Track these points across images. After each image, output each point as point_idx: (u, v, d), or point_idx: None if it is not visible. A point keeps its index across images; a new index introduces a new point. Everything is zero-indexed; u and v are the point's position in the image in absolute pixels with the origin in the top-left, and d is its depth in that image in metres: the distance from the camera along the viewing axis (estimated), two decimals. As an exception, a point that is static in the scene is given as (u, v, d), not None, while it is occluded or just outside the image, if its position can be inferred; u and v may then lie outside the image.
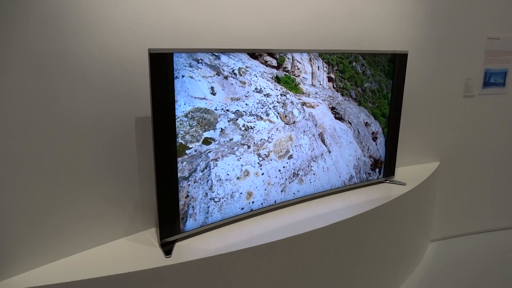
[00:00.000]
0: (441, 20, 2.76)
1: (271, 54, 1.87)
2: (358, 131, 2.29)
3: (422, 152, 3.01)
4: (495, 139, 3.20)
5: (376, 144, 2.47)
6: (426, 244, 3.11)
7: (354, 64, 2.14)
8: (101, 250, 1.73)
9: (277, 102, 1.72)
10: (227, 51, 1.76)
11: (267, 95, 1.70)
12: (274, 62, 1.86)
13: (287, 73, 1.90)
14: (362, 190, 2.48)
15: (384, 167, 2.58)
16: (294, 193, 1.81)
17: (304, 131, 1.82)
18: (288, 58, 1.91)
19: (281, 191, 1.75)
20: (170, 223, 1.76)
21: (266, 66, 1.85)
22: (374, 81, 2.28)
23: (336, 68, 2.10)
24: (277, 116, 1.72)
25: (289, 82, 1.88)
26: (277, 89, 1.72)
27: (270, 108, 1.71)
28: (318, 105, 1.90)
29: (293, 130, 1.77)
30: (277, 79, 1.88)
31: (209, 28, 1.92)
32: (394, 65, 2.38)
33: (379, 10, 2.50)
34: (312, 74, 1.99)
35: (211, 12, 1.90)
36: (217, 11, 1.92)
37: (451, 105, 2.98)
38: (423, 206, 2.79)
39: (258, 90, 1.68)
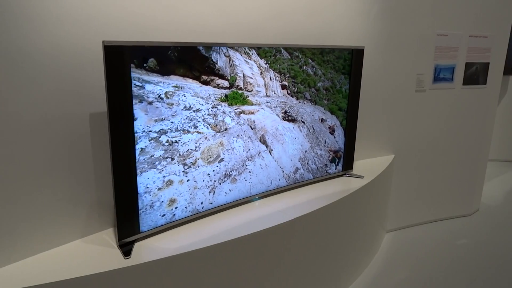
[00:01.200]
0: (394, 17, 2.85)
1: (222, 76, 1.87)
2: (313, 128, 2.33)
3: (378, 146, 3.10)
4: (445, 132, 3.35)
5: (334, 137, 2.52)
6: (383, 234, 3.21)
7: (304, 67, 2.18)
8: (55, 253, 1.64)
9: (208, 114, 1.73)
10: (184, 44, 1.72)
11: (197, 110, 1.71)
12: (226, 83, 1.89)
13: (235, 90, 1.92)
14: (322, 184, 2.52)
15: (343, 161, 2.63)
16: (225, 192, 1.84)
17: (238, 135, 1.85)
18: (240, 76, 1.93)
19: (209, 192, 1.78)
20: (128, 223, 1.69)
21: (218, 88, 1.87)
22: (326, 79, 2.32)
23: (288, 75, 2.13)
24: (207, 127, 1.74)
25: (237, 97, 1.92)
26: (208, 103, 1.73)
27: (199, 121, 1.72)
28: (258, 111, 1.94)
29: (224, 136, 1.80)
30: (226, 97, 1.90)
31: (167, 21, 1.87)
32: (348, 61, 2.43)
33: (336, 5, 2.54)
34: (265, 85, 2.03)
35: (169, 4, 1.85)
36: (176, 3, 1.87)
37: (404, 99, 3.09)
38: (379, 198, 2.88)
39: (187, 108, 1.68)
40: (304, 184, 2.47)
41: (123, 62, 1.53)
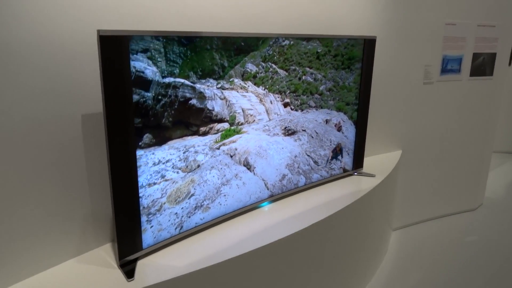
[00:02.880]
0: (403, 5, 2.68)
1: (221, 120, 1.71)
2: (316, 132, 2.17)
3: (385, 141, 2.95)
4: (450, 125, 3.22)
5: (343, 132, 2.34)
6: (390, 234, 3.08)
7: (303, 77, 2.01)
8: (46, 276, 1.43)
9: (179, 160, 1.56)
10: (187, 34, 1.51)
11: (166, 161, 1.53)
12: (227, 125, 1.75)
13: (230, 128, 1.77)
14: (333, 184, 2.35)
15: (353, 159, 2.46)
16: (196, 222, 1.67)
17: (212, 167, 1.69)
18: (239, 113, 1.77)
19: (175, 228, 1.61)
20: (130, 238, 1.49)
21: (218, 132, 1.72)
22: (327, 81, 2.15)
23: (288, 91, 1.96)
24: (176, 172, 1.57)
25: (230, 133, 1.78)
26: (179, 150, 1.55)
27: (167, 170, 1.55)
28: (240, 137, 1.78)
29: (196, 173, 1.63)
30: (220, 138, 1.75)
31: (167, 11, 1.65)
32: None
33: (344, -7, 2.36)
34: (266, 111, 1.87)
35: (168, -11, 1.64)
36: (175, -11, 1.66)
37: (412, 92, 2.94)
38: (389, 196, 2.73)
39: (155, 163, 1.49)
40: (314, 185, 2.29)
41: (121, 54, 1.31)
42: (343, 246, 2.14)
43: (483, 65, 3.19)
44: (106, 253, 1.60)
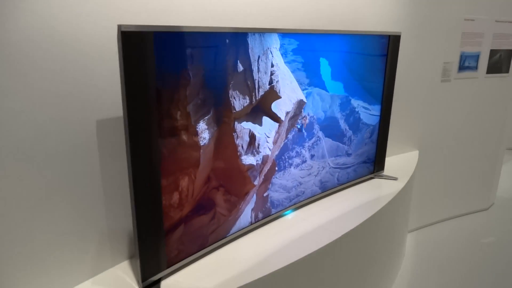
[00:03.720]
0: (422, 0, 2.55)
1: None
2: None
3: (402, 142, 2.84)
4: (466, 124, 3.12)
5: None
6: (406, 236, 2.97)
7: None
8: (59, 302, 1.29)
9: None
10: (215, 30, 1.37)
11: None
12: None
13: None
14: (353, 190, 2.22)
15: (374, 162, 2.34)
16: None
17: None
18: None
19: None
20: (154, 256, 1.35)
21: None
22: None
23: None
24: None
25: None
26: None
27: None
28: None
29: None
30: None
31: (189, 4, 1.50)
32: (387, 48, 2.13)
33: (366, -14, 2.22)
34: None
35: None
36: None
37: (429, 90, 2.83)
38: (408, 199, 2.62)
39: None
40: (333, 191, 2.16)
41: (145, 53, 1.17)
42: (365, 254, 2.03)
43: (499, 62, 3.09)
44: (124, 273, 1.45)
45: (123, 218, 1.48)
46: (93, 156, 1.34)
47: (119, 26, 1.11)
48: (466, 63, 2.93)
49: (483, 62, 3.01)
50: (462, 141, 3.15)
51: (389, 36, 2.12)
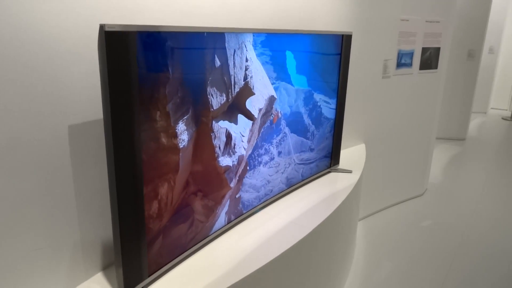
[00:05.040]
0: (365, 1, 2.70)
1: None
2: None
3: (350, 135, 2.99)
4: (403, 117, 3.37)
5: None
6: (357, 225, 3.14)
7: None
8: (35, 324, 1.18)
9: None
10: (211, 30, 1.34)
11: None
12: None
13: None
14: (312, 185, 2.29)
15: (330, 156, 2.44)
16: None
17: None
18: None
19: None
20: (136, 266, 1.29)
21: None
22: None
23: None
24: None
25: None
26: None
27: None
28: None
29: None
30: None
31: (154, 3, 1.45)
32: (341, 47, 2.22)
33: (318, -13, 2.30)
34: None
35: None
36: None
37: (372, 86, 3.00)
38: (360, 190, 2.77)
39: None
40: (297, 187, 2.22)
41: (128, 53, 1.11)
42: (328, 246, 2.11)
43: (429, 59, 3.38)
44: (99, 285, 1.37)
45: (97, 227, 1.39)
46: (65, 163, 1.24)
47: (102, 26, 1.04)
48: (403, 60, 3.15)
49: (416, 59, 3.27)
50: (400, 133, 3.39)
51: (343, 35, 2.22)
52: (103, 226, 1.41)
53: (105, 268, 1.46)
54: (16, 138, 1.09)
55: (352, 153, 2.88)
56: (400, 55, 3.11)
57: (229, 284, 1.37)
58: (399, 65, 3.14)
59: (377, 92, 3.05)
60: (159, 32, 1.19)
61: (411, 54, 3.20)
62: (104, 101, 1.10)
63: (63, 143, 1.23)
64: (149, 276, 1.35)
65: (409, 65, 3.22)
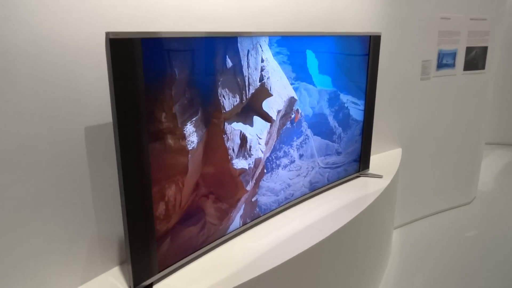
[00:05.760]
0: (400, 0, 2.61)
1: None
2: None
3: (385, 140, 2.89)
4: (446, 120, 3.20)
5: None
6: (392, 233, 3.02)
7: None
8: (51, 312, 1.27)
9: None
10: (201, 35, 1.37)
11: None
12: None
13: None
14: (340, 189, 2.25)
15: (360, 160, 2.38)
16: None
17: None
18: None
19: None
20: (145, 262, 1.34)
21: None
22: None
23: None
24: None
25: None
26: None
27: None
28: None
29: None
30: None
31: (171, 9, 1.51)
32: (369, 48, 2.17)
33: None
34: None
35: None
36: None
37: (410, 88, 2.89)
38: (394, 197, 2.67)
39: None
40: (321, 191, 2.18)
41: (133, 59, 1.16)
42: (352, 253, 2.05)
43: (475, 59, 3.18)
44: (115, 279, 1.44)
45: (113, 224, 1.47)
46: (82, 162, 1.33)
47: (107, 34, 1.10)
48: (444, 60, 3.00)
49: (460, 60, 3.09)
50: (443, 137, 3.23)
51: (370, 36, 2.16)
52: (119, 223, 1.48)
53: (122, 263, 1.53)
54: (36, 138, 1.19)
55: (386, 158, 2.79)
56: (441, 56, 2.97)
57: (235, 284, 1.38)
58: (440, 66, 2.99)
59: (415, 94, 2.93)
60: (161, 38, 1.24)
61: (453, 54, 3.04)
62: (111, 104, 1.16)
63: (80, 143, 1.31)
64: (159, 272, 1.39)
65: (452, 65, 3.06)
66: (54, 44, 1.19)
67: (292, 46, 1.76)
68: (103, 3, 1.29)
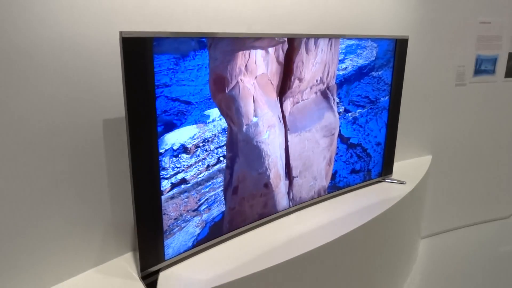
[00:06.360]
0: (435, 3, 2.55)
1: None
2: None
3: (414, 146, 2.82)
4: (483, 129, 3.06)
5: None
6: (419, 242, 2.94)
7: None
8: (65, 287, 1.37)
9: None
10: (215, 36, 1.43)
11: None
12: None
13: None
14: (360, 192, 2.23)
15: (382, 165, 2.34)
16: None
17: None
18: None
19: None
20: (152, 249, 1.42)
21: None
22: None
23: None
24: None
25: None
26: None
27: None
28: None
29: None
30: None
31: (191, 9, 1.58)
32: (394, 52, 2.14)
33: (374, -9, 2.25)
34: None
35: (193, -12, 1.56)
36: (200, -13, 1.59)
37: (443, 94, 2.80)
38: (419, 204, 2.60)
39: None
40: (339, 193, 2.18)
41: (144, 57, 1.25)
42: (371, 257, 2.03)
43: (518, 66, 3.02)
44: (127, 263, 1.54)
45: (127, 211, 1.56)
46: (100, 152, 1.43)
47: (121, 33, 1.19)
48: (483, 66, 2.88)
49: (501, 66, 2.95)
50: (480, 146, 3.09)
51: (396, 40, 2.13)
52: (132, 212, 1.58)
53: (135, 249, 1.63)
54: (58, 129, 1.30)
55: (414, 164, 2.72)
56: (479, 61, 2.85)
57: (240, 276, 1.43)
58: (478, 72, 2.87)
59: (449, 100, 2.83)
60: (172, 37, 1.31)
61: (493, 60, 2.90)
62: (123, 99, 1.25)
63: (98, 134, 1.42)
64: (166, 260, 1.47)
65: (491, 72, 2.93)
66: (75, 44, 1.30)
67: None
68: (123, 4, 1.39)
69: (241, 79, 1.54)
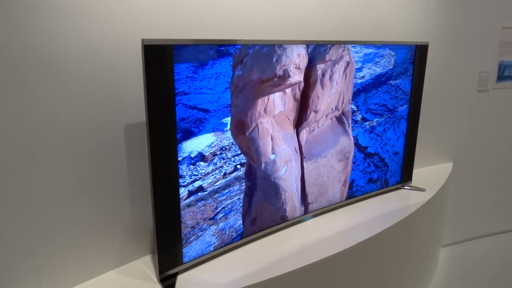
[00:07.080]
0: (456, 8, 2.52)
1: None
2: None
3: (435, 153, 2.78)
4: (508, 136, 2.99)
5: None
6: (439, 250, 2.89)
7: None
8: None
9: None
10: (236, 43, 1.46)
11: None
12: None
13: None
14: (379, 199, 2.22)
15: (402, 172, 2.32)
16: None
17: None
18: None
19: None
20: (170, 252, 1.45)
21: None
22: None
23: None
24: None
25: None
26: None
27: None
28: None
29: None
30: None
31: (211, 16, 1.61)
32: (414, 57, 2.12)
33: (393, -3, 2.24)
34: None
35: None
36: (219, -4, 1.62)
37: (465, 100, 2.76)
38: (439, 211, 2.56)
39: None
40: (359, 199, 2.17)
41: (165, 64, 1.28)
42: (390, 264, 2.01)
43: (544, 72, 2.95)
44: (146, 266, 1.57)
45: (147, 215, 1.59)
46: (121, 156, 1.47)
47: (143, 40, 1.23)
48: (506, 72, 2.83)
49: (526, 72, 2.89)
50: (502, 153, 3.02)
51: (416, 45, 2.12)
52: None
53: (154, 252, 1.66)
54: (82, 132, 1.34)
55: (434, 171, 2.68)
56: (502, 67, 2.80)
57: (256, 282, 1.44)
58: (501, 78, 2.82)
59: (471, 107, 2.79)
60: (191, 45, 1.34)
61: (517, 66, 2.84)
62: (144, 104, 1.29)
63: (120, 138, 1.46)
64: (184, 263, 1.50)
65: (515, 78, 2.87)
66: (100, 50, 1.34)
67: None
68: (146, 14, 1.43)
69: (260, 122, 1.58)
